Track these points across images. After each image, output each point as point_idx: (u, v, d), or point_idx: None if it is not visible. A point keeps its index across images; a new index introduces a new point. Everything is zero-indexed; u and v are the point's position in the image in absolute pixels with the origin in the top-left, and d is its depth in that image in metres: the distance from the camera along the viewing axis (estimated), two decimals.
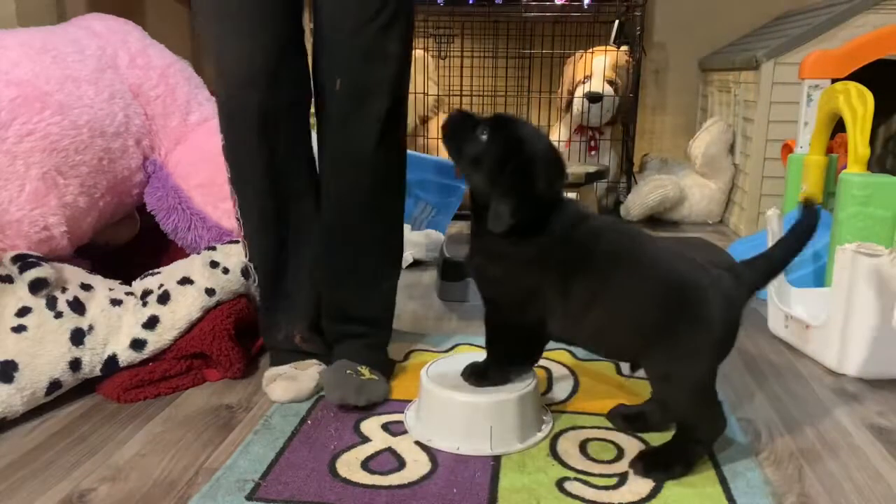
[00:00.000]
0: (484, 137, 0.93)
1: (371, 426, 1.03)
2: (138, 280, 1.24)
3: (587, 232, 0.92)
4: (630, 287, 0.88)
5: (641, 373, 0.95)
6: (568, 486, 0.89)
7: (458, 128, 0.95)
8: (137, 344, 1.14)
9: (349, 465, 0.93)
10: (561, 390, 1.16)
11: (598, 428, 1.04)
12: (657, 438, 1.00)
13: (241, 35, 1.02)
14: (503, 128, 0.93)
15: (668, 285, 0.88)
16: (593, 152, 2.67)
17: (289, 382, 1.11)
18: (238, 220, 1.16)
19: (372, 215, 1.13)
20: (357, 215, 1.12)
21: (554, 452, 0.97)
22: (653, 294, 0.88)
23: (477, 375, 1.00)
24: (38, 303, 1.07)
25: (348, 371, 1.08)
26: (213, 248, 1.31)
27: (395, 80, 1.08)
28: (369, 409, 1.08)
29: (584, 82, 2.58)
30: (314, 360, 1.17)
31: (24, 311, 1.06)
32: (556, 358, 1.28)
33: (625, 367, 1.23)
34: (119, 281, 1.22)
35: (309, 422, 1.04)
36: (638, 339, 0.89)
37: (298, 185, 1.13)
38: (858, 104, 1.49)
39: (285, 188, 1.12)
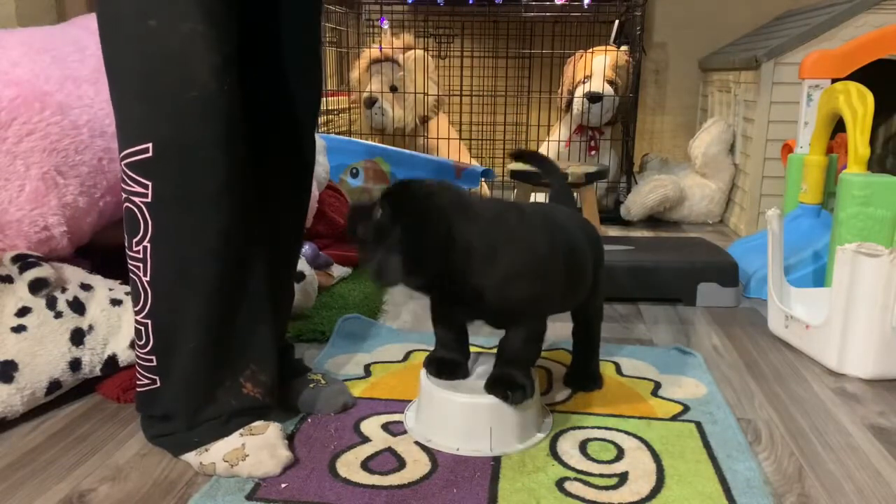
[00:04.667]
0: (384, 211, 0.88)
1: (371, 426, 1.03)
2: None
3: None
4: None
5: (635, 371, 0.94)
6: (568, 486, 0.89)
7: (359, 215, 0.91)
8: None
9: (349, 465, 0.93)
10: (561, 390, 1.16)
11: (598, 428, 1.04)
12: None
13: None
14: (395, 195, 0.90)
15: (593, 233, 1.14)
16: (593, 152, 2.67)
17: (270, 449, 0.91)
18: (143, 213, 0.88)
19: None
20: None
21: (554, 452, 0.97)
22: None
23: (522, 390, 0.96)
24: (37, 303, 1.07)
25: (319, 383, 1.09)
26: None
27: None
28: (360, 409, 1.08)
29: (584, 82, 2.58)
30: (261, 421, 0.95)
31: (24, 311, 1.06)
32: (555, 358, 1.28)
33: (625, 367, 1.23)
34: (119, 281, 1.22)
35: (309, 421, 1.04)
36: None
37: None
38: (858, 104, 1.49)
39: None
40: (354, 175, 2.23)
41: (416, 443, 0.99)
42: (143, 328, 0.90)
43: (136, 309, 0.90)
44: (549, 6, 2.72)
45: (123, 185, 0.86)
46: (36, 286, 1.07)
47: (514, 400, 0.95)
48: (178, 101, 0.82)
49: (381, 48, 2.73)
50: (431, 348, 1.05)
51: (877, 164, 2.31)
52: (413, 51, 2.70)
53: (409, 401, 1.10)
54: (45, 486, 0.89)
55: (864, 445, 1.01)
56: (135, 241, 0.87)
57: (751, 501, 0.86)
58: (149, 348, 0.91)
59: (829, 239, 1.53)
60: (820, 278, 1.57)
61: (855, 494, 0.89)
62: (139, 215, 0.86)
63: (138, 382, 0.94)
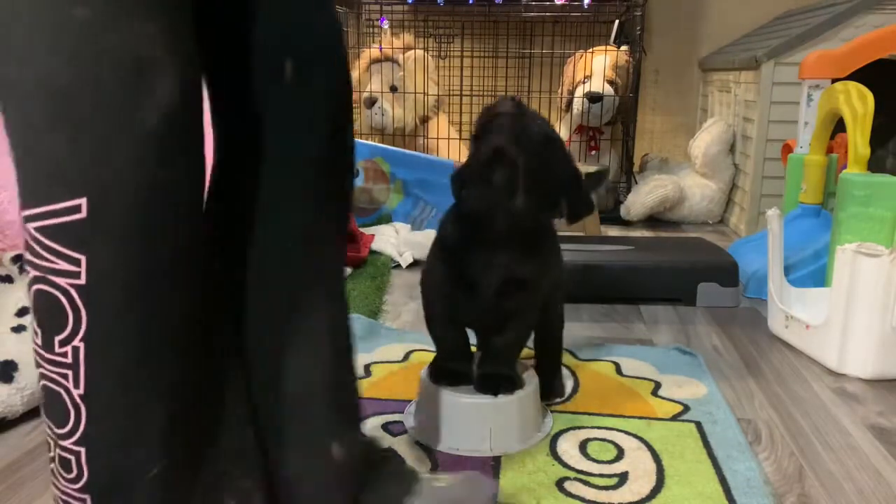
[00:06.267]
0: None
1: (371, 426, 1.03)
2: None
3: None
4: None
5: (635, 371, 0.94)
6: (568, 486, 0.89)
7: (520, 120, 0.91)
8: None
9: None
10: None
11: (598, 428, 1.04)
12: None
13: None
14: None
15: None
16: (593, 152, 2.67)
17: None
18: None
19: None
20: None
21: (554, 452, 0.97)
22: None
23: (510, 382, 0.98)
24: None
25: None
26: None
27: None
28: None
29: (584, 82, 2.58)
30: None
31: (24, 311, 1.06)
32: None
33: (625, 367, 1.23)
34: None
35: None
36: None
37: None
38: (858, 104, 1.49)
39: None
40: (354, 175, 2.23)
41: (417, 443, 0.99)
42: (72, 458, 0.58)
43: (62, 433, 0.58)
44: (549, 6, 2.72)
45: (32, 259, 0.55)
46: None
47: (506, 391, 0.97)
48: (128, 128, 0.53)
49: (381, 48, 2.73)
50: (431, 348, 1.04)
51: (877, 164, 2.31)
52: (413, 51, 2.70)
53: (409, 401, 1.10)
54: (45, 486, 0.88)
55: (864, 445, 1.01)
56: (58, 339, 0.56)
57: (751, 501, 0.86)
58: (82, 483, 0.59)
59: (829, 239, 1.53)
60: (820, 278, 1.57)
61: (855, 494, 0.89)
62: (66, 303, 0.55)
63: None
